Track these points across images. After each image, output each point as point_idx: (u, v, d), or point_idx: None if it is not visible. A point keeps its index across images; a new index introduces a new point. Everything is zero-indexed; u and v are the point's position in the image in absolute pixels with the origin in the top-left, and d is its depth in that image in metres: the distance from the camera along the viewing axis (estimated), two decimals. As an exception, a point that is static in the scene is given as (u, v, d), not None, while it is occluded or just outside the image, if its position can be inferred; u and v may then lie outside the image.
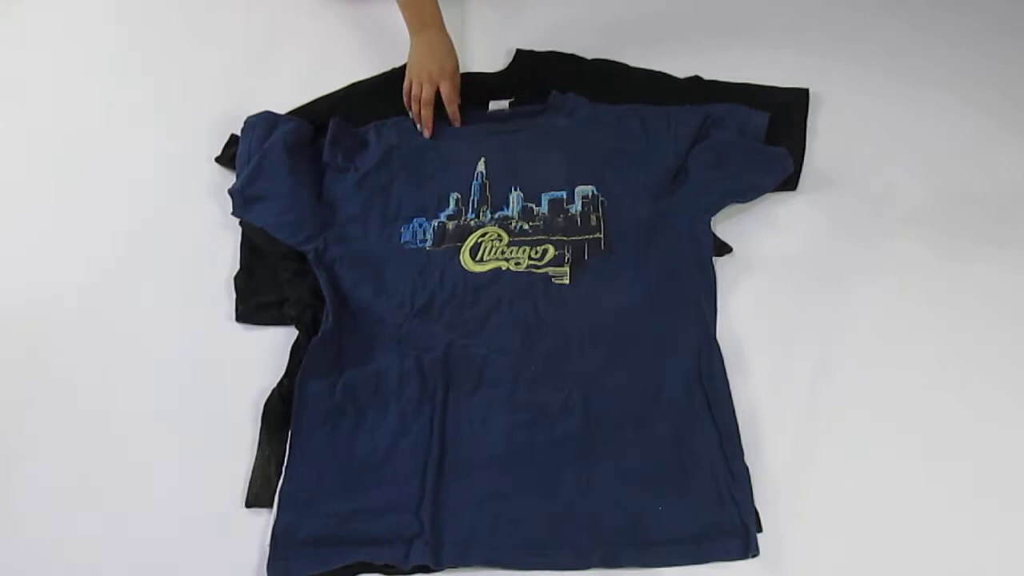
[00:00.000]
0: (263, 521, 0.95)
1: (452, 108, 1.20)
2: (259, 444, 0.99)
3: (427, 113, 1.19)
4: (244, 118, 1.25)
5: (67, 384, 1.08)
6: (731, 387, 1.00)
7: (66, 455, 1.02)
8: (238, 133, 1.25)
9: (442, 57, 1.21)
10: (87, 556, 0.96)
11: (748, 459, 0.96)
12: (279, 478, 0.96)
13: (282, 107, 1.27)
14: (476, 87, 1.28)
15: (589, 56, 1.31)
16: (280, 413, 1.01)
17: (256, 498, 0.96)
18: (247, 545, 0.94)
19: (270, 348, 1.08)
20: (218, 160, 1.25)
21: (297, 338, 1.06)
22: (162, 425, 1.04)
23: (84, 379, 1.08)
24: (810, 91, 1.24)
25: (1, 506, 0.99)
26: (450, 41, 1.23)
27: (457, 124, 1.21)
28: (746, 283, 1.10)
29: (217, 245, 1.18)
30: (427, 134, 1.19)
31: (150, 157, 1.28)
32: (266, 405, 1.02)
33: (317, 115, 1.26)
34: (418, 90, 1.20)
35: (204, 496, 0.98)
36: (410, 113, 1.22)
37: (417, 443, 0.98)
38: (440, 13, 1.23)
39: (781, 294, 1.09)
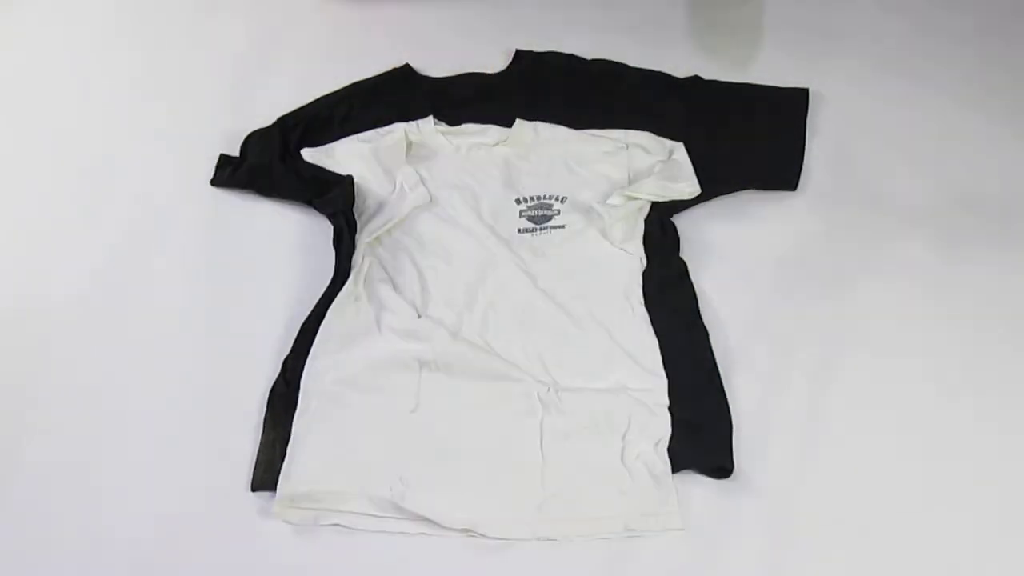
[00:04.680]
0: (268, 505, 0.96)
1: None
2: (263, 428, 1.01)
3: None
4: (244, 117, 1.25)
5: (71, 371, 1.08)
6: (731, 387, 1.01)
7: (70, 439, 1.02)
8: (227, 152, 1.25)
9: None
10: (91, 540, 0.96)
11: (748, 459, 0.96)
12: (283, 461, 0.97)
13: (282, 107, 1.27)
14: (476, 87, 1.28)
15: (589, 56, 1.31)
16: (284, 397, 1.02)
17: (261, 482, 0.97)
18: (252, 528, 0.95)
19: (274, 337, 1.08)
20: (214, 183, 1.23)
21: (306, 320, 1.07)
22: (167, 408, 1.04)
23: (88, 366, 1.08)
24: (810, 91, 1.24)
25: (5, 489, 0.99)
26: None
27: None
28: (746, 283, 1.10)
29: (218, 237, 1.18)
30: None
31: (151, 153, 1.28)
32: (272, 389, 1.03)
33: (317, 115, 1.26)
34: None
35: (209, 480, 0.99)
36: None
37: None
38: None
39: (781, 294, 1.09)
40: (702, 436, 0.98)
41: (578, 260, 1.10)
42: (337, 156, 1.21)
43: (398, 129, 1.22)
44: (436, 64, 1.31)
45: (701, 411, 0.99)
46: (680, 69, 1.27)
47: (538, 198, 1.16)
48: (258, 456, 0.99)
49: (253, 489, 0.97)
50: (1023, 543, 0.91)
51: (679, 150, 1.16)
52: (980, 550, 0.91)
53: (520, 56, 1.32)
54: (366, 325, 1.06)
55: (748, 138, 1.21)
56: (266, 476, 0.97)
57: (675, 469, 0.95)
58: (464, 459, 0.97)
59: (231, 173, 1.23)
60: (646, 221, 1.12)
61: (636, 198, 1.12)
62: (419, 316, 1.06)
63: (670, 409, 0.99)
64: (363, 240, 1.12)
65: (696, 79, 1.27)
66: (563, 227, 1.13)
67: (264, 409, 1.02)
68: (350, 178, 1.16)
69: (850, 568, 0.90)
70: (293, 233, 1.18)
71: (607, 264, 1.10)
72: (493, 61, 1.32)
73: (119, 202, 1.23)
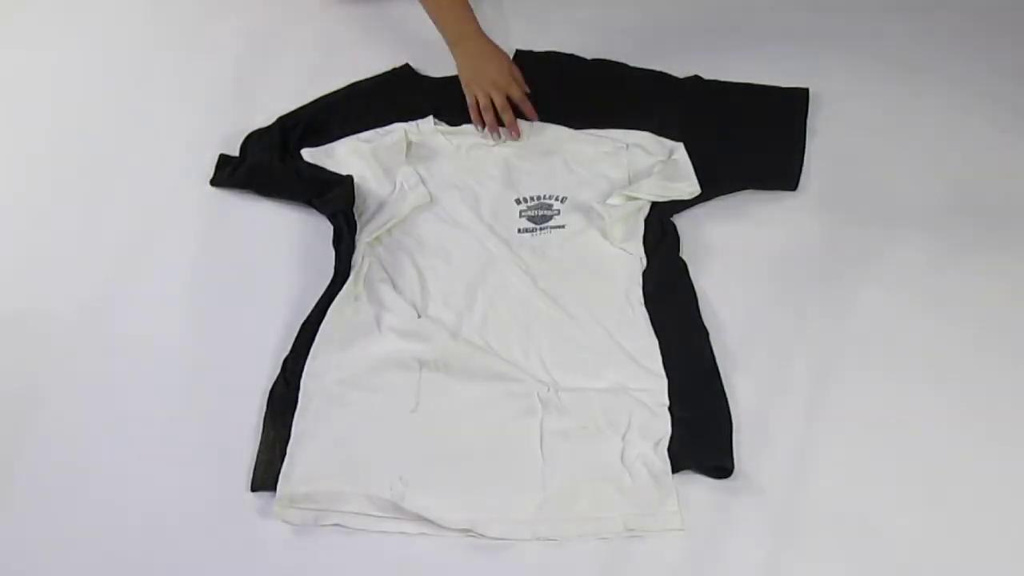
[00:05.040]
0: (268, 505, 0.96)
1: (527, 109, 1.21)
2: (263, 428, 1.01)
3: (509, 118, 1.19)
4: (244, 117, 1.25)
5: (71, 370, 1.08)
6: (731, 387, 1.00)
7: (69, 439, 1.03)
8: (227, 152, 1.25)
9: (498, 61, 1.20)
10: (91, 540, 0.96)
11: (748, 459, 0.96)
12: (283, 461, 0.97)
13: (282, 108, 1.27)
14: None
15: (589, 56, 1.31)
16: (284, 397, 1.02)
17: (261, 482, 0.97)
18: (253, 528, 0.95)
19: (274, 337, 1.08)
20: (214, 183, 1.23)
21: (306, 320, 1.07)
22: (167, 408, 1.04)
23: (87, 365, 1.08)
24: (810, 91, 1.24)
25: (5, 490, 1.00)
26: (495, 45, 1.22)
27: (534, 118, 1.21)
28: (746, 283, 1.10)
29: (218, 237, 1.18)
30: (516, 136, 1.20)
31: (151, 153, 1.28)
32: (271, 389, 1.03)
33: (317, 115, 1.27)
34: (486, 101, 1.19)
35: (209, 480, 0.99)
36: (479, 128, 1.22)
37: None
38: (476, 20, 1.22)
39: (781, 294, 1.09)
40: (702, 436, 0.98)
41: (578, 260, 1.10)
42: (337, 156, 1.21)
43: (398, 129, 1.22)
44: (436, 64, 1.31)
45: (701, 411, 0.99)
46: (680, 69, 1.27)
47: (538, 198, 1.16)
48: (258, 456, 0.99)
49: (253, 489, 0.97)
50: (1023, 542, 0.91)
51: (679, 150, 1.16)
52: (980, 550, 0.91)
53: (520, 56, 1.32)
54: (366, 325, 1.06)
55: (748, 138, 1.21)
56: (266, 476, 0.97)
57: (675, 469, 0.95)
58: (464, 459, 0.97)
59: (231, 173, 1.23)
60: (646, 221, 1.13)
61: (636, 198, 1.12)
62: (419, 316, 1.06)
63: (670, 409, 0.99)
64: (363, 240, 1.12)
65: (696, 79, 1.27)
66: (563, 227, 1.13)
67: (264, 409, 1.02)
68: (350, 178, 1.16)
69: (850, 568, 0.90)
70: (293, 233, 1.18)
71: (607, 264, 1.10)
72: (493, 61, 1.32)
73: (119, 202, 1.24)
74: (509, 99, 1.19)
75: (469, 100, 1.21)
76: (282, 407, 1.02)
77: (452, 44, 1.22)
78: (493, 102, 1.19)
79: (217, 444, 1.01)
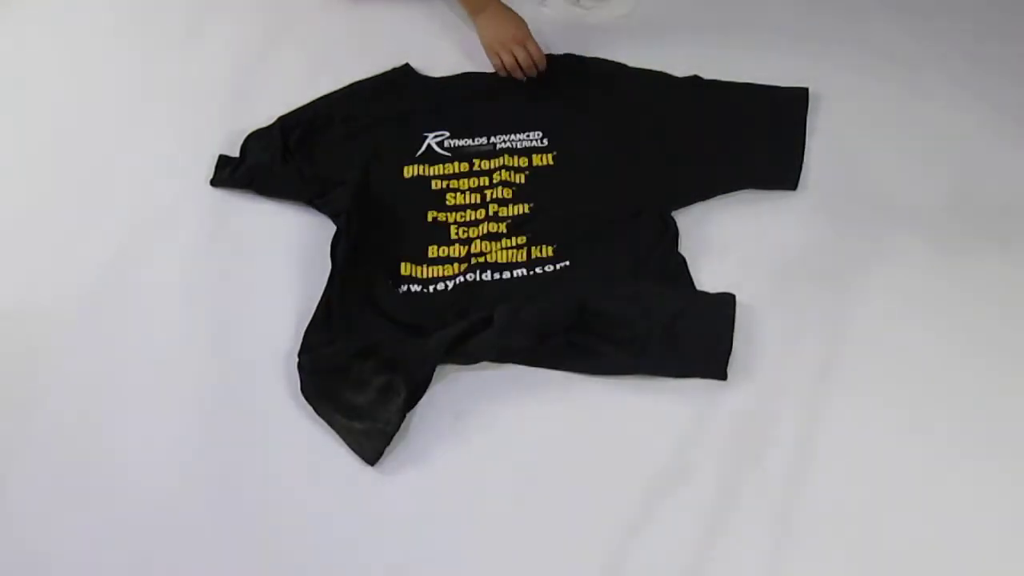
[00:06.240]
0: (269, 505, 0.96)
1: (543, 64, 1.28)
2: (325, 419, 0.99)
3: (531, 50, 1.26)
4: (244, 117, 1.25)
5: (71, 372, 1.08)
6: (731, 386, 1.01)
7: (69, 442, 1.02)
8: (227, 152, 1.25)
9: (515, 23, 1.29)
10: (90, 545, 0.95)
11: (748, 458, 0.96)
12: (359, 420, 0.97)
13: (282, 107, 1.27)
14: (476, 87, 1.28)
15: (589, 56, 1.31)
16: (313, 386, 1.01)
17: (375, 452, 0.96)
18: (253, 529, 0.95)
19: (273, 337, 1.08)
20: (214, 183, 1.23)
21: (310, 324, 1.07)
22: (166, 409, 1.04)
23: (87, 366, 1.08)
24: (810, 90, 1.24)
25: (4, 492, 0.99)
26: (513, 10, 1.30)
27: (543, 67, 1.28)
28: (746, 283, 1.09)
29: (219, 237, 1.18)
30: (542, 66, 1.28)
31: (151, 154, 1.28)
32: (302, 390, 1.01)
33: (317, 115, 1.27)
34: (510, 59, 1.26)
35: (209, 479, 0.99)
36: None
37: None
38: None
39: (780, 293, 1.09)
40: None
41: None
42: None
43: None
44: (436, 64, 1.32)
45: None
46: (680, 69, 1.27)
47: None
48: (349, 444, 0.97)
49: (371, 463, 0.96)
50: (1021, 543, 0.91)
51: None
52: (980, 550, 0.91)
53: (520, 56, 1.32)
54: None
55: (748, 138, 1.21)
56: (366, 445, 0.96)
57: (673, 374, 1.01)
58: None
59: (231, 173, 1.23)
60: (646, 218, 1.13)
61: None
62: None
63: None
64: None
65: (696, 79, 1.27)
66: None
67: (313, 410, 1.01)
68: (352, 178, 1.17)
69: (850, 568, 0.90)
70: (293, 233, 1.18)
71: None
72: (493, 61, 1.32)
73: (119, 203, 1.24)
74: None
75: (494, 63, 1.29)
76: (324, 392, 1.01)
77: (473, 14, 1.32)
78: (517, 60, 1.26)
79: (216, 444, 1.01)
